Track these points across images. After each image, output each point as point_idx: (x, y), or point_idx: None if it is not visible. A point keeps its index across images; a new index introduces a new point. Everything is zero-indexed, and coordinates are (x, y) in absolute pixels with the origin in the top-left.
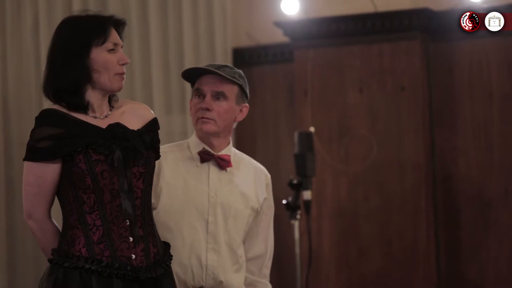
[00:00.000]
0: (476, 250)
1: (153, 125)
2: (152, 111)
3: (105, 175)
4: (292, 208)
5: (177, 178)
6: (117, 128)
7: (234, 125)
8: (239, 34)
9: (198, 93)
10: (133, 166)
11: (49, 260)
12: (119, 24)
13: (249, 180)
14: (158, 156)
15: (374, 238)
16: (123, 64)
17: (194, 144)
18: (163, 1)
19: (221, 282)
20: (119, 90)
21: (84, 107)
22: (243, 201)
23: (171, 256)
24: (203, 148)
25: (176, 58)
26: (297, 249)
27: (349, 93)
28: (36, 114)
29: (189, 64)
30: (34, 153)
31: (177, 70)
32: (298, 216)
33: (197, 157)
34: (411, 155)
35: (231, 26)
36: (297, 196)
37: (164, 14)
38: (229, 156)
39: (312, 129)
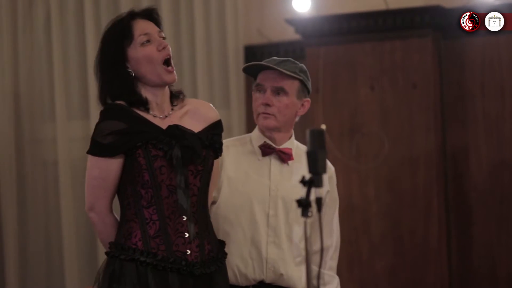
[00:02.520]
0: (488, 247)
1: (215, 127)
2: (217, 112)
3: (163, 170)
4: (304, 205)
5: (238, 171)
6: (176, 130)
7: (297, 119)
8: (251, 32)
9: (259, 88)
10: (190, 164)
11: (106, 253)
12: (145, 14)
13: None
14: (217, 156)
15: (386, 235)
16: (163, 49)
17: (256, 138)
18: None
19: (281, 275)
20: (171, 81)
21: (144, 103)
22: None
23: (226, 254)
24: (265, 141)
25: (188, 56)
26: (309, 247)
27: (361, 90)
28: (48, 111)
29: (201, 61)
30: (99, 148)
31: (189, 67)
32: (310, 214)
33: (259, 151)
34: (422, 152)
35: (243, 23)
36: (309, 193)
37: (176, 12)
38: (291, 149)
39: (323, 126)
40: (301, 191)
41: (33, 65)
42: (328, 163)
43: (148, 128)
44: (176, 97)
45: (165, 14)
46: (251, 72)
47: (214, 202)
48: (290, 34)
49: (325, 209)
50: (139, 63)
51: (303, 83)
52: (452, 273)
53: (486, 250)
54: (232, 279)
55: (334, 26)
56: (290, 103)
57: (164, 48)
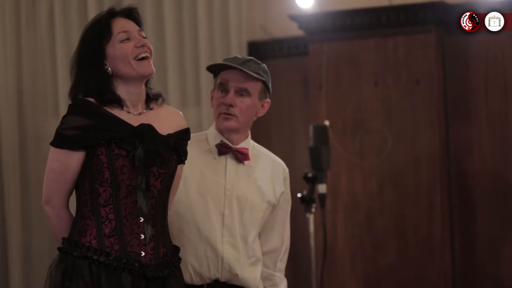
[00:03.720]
0: (492, 243)
1: (184, 133)
2: (185, 121)
3: (124, 170)
4: (307, 201)
5: (193, 170)
6: (146, 130)
7: (254, 119)
8: (254, 28)
9: (222, 88)
10: (152, 165)
11: (59, 249)
12: (126, 13)
13: (266, 174)
14: (180, 161)
15: (389, 231)
16: (141, 46)
17: (213, 136)
18: None
19: (236, 275)
20: (148, 73)
21: (117, 100)
22: (259, 195)
23: (180, 259)
24: (221, 140)
25: (191, 52)
26: (312, 243)
27: (364, 86)
28: (51, 109)
29: (204, 57)
30: (60, 140)
31: (192, 63)
32: (313, 210)
33: (215, 150)
34: (426, 148)
35: (246, 19)
36: (312, 189)
37: (179, 8)
38: (247, 149)
39: (327, 122)
40: (256, 192)
41: (36, 62)
42: (283, 164)
43: (114, 127)
44: (152, 100)
45: (167, 10)
46: (213, 70)
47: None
48: (293, 30)
49: (278, 210)
50: (117, 60)
51: (265, 84)
52: (455, 269)
53: (490, 246)
54: (186, 278)
55: (337, 22)
56: (252, 104)
57: (142, 45)
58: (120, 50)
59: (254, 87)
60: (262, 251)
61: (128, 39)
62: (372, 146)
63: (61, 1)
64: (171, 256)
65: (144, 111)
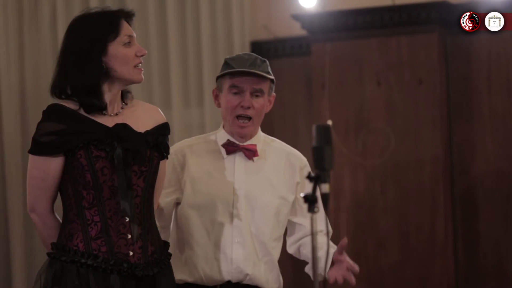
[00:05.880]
0: (495, 243)
1: (162, 128)
2: (163, 115)
3: (105, 171)
4: (310, 201)
5: (201, 171)
6: (122, 130)
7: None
8: (257, 27)
9: (235, 90)
10: (133, 165)
11: (48, 254)
12: (129, 16)
13: (278, 168)
14: (162, 157)
15: (392, 231)
16: (141, 56)
17: (220, 136)
18: None
19: (247, 275)
20: (139, 81)
21: (101, 109)
22: (271, 191)
23: (170, 254)
24: (228, 140)
25: (194, 52)
26: (315, 242)
27: (367, 86)
28: None
29: (207, 58)
30: (37, 147)
31: (195, 63)
32: (316, 209)
33: (223, 149)
34: (428, 148)
35: (249, 19)
36: (315, 189)
37: (182, 7)
38: (255, 145)
39: (329, 122)
40: (266, 188)
41: (39, 62)
42: (299, 155)
43: (90, 129)
44: (125, 96)
45: (171, 10)
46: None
47: (178, 203)
48: (296, 30)
49: (300, 203)
50: (117, 61)
51: (272, 81)
52: (458, 269)
53: (492, 245)
54: (198, 280)
55: (340, 22)
56: (264, 103)
57: (142, 56)
58: (123, 53)
59: (266, 86)
60: (300, 237)
61: (129, 42)
62: (375, 146)
63: (63, 1)
64: (160, 253)
65: (120, 110)
